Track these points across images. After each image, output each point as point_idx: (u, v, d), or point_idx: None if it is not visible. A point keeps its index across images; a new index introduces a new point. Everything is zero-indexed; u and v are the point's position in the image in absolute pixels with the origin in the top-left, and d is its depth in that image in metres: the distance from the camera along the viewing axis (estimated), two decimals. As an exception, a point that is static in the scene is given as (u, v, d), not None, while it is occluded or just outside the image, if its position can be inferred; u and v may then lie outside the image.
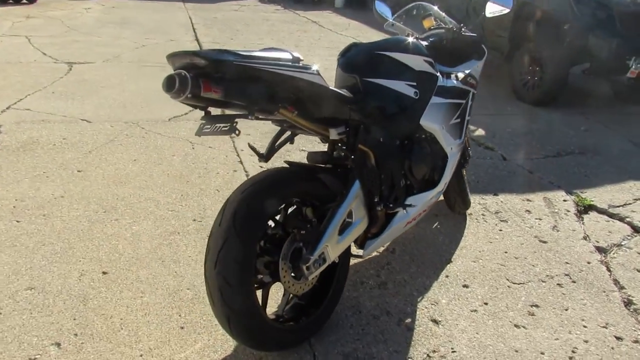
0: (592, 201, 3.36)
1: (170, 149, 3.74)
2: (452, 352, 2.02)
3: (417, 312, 2.23)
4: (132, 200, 2.99)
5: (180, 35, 7.79)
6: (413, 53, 2.28)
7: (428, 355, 2.00)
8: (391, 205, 2.17)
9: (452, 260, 2.63)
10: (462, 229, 2.92)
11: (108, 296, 2.20)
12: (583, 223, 3.11)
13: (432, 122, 2.34)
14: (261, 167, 3.49)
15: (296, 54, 1.77)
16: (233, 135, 1.71)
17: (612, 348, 2.09)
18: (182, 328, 2.05)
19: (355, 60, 2.20)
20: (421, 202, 2.35)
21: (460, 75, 2.56)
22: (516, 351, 2.05)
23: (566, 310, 2.31)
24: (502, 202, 3.31)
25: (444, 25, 2.69)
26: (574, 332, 2.17)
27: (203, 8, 10.63)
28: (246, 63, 1.60)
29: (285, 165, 1.98)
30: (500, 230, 2.95)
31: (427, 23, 2.71)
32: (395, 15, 2.89)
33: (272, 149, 2.10)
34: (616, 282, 2.54)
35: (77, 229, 2.66)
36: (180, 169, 3.41)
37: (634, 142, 4.66)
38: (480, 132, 4.63)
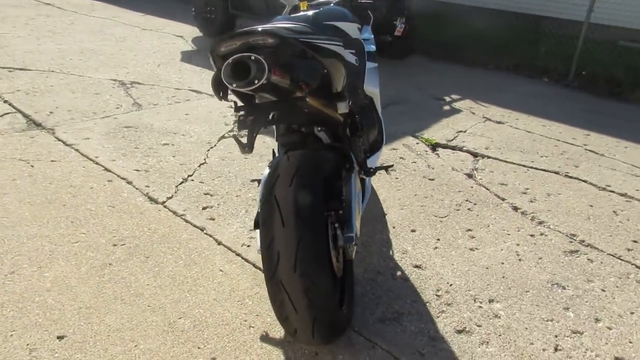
0: (434, 139, 4.00)
1: (4, 172, 2.95)
2: (450, 285, 2.28)
3: (399, 264, 2.41)
4: (13, 245, 2.32)
5: None
6: (350, 21, 2.35)
7: (437, 295, 2.22)
8: (365, 171, 2.26)
9: (386, 213, 2.86)
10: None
11: None
12: (441, 158, 3.70)
13: (372, 87, 2.47)
14: (137, 170, 3.08)
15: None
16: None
17: (534, 244, 2.66)
18: (214, 359, 1.80)
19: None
20: (374, 164, 2.48)
21: (369, 39, 2.72)
22: (487, 268, 2.42)
23: (488, 226, 2.80)
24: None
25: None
26: (507, 241, 2.67)
27: None
28: (311, 40, 1.46)
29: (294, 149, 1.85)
30: (397, 178, 3.30)
31: (321, -5, 2.76)
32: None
33: (252, 139, 1.95)
34: (497, 196, 3.16)
35: (-22, 298, 1.97)
36: (39, 194, 2.75)
37: (419, 87, 5.57)
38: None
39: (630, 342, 2.01)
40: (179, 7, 8.97)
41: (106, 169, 3.10)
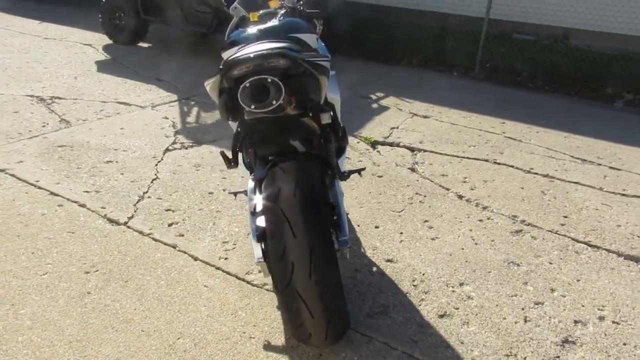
0: (373, 137, 4.20)
1: (-60, 207, 2.70)
2: (423, 275, 2.47)
3: (372, 260, 2.56)
4: (-24, 283, 2.17)
5: None
6: (310, 32, 2.43)
7: (414, 285, 2.39)
8: (339, 175, 2.37)
9: (348, 212, 2.99)
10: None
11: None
12: (383, 155, 3.90)
13: (333, 94, 2.58)
14: (86, 191, 2.96)
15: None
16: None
17: (485, 228, 2.93)
18: (225, 373, 1.83)
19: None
20: (342, 168, 2.60)
21: (322, 47, 2.82)
22: (450, 254, 2.64)
23: (442, 216, 3.03)
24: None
25: (288, 4, 2.83)
26: (461, 227, 2.91)
27: None
28: (312, 59, 1.54)
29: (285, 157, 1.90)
30: (350, 178, 3.44)
31: (273, 3, 2.80)
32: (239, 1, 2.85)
33: (236, 153, 2.00)
34: (441, 186, 3.42)
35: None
36: (-9, 227, 2.57)
37: (345, 87, 5.77)
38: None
39: (583, 306, 2.31)
40: (75, 13, 8.48)
41: (52, 193, 2.94)
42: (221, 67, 1.74)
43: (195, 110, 4.58)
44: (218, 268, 2.40)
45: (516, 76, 6.58)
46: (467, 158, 3.90)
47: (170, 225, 2.73)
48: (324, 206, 1.76)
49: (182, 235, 2.64)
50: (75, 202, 2.87)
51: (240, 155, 2.67)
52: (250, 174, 2.57)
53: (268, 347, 1.96)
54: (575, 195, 3.39)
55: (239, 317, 2.11)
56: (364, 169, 2.39)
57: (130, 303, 2.14)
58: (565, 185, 3.54)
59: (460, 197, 3.28)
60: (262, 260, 1.88)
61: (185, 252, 2.50)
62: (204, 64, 6.24)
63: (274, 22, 2.39)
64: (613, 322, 2.22)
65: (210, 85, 1.79)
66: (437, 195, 3.28)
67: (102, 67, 5.69)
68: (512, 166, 3.81)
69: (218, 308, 2.15)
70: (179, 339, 1.97)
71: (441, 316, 2.20)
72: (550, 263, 2.62)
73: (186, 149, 3.73)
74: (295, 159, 1.93)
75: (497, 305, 2.28)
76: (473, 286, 2.40)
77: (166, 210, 2.86)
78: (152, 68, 5.80)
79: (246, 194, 2.43)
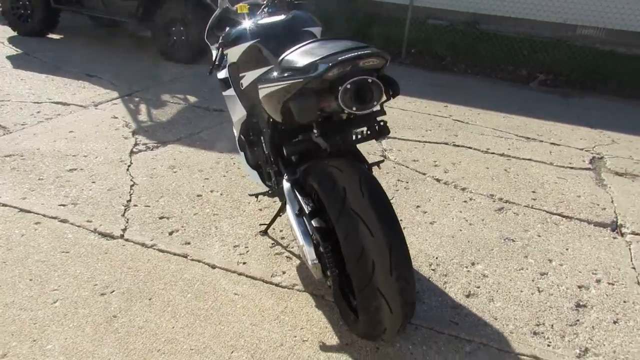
0: (335, 127, 4.22)
1: None
2: (436, 259, 2.58)
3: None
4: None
5: None
6: (317, 26, 2.40)
7: (432, 269, 2.49)
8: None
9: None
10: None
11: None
12: (351, 144, 3.95)
13: None
14: (62, 205, 2.70)
15: None
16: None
17: (472, 208, 3.10)
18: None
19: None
20: None
21: None
22: (452, 237, 2.78)
23: (430, 200, 3.16)
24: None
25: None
26: (452, 210, 3.06)
27: None
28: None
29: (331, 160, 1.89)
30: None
31: (261, -5, 2.70)
32: (225, -8, 2.71)
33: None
34: (418, 171, 3.55)
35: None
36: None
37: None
38: (193, 98, 4.69)
39: (580, 272, 2.55)
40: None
41: (23, 210, 2.63)
42: (291, 73, 1.67)
43: (143, 107, 4.30)
44: (241, 274, 2.32)
45: (440, 61, 6.93)
46: (429, 142, 4.08)
47: (171, 234, 2.57)
48: (388, 200, 1.77)
49: (189, 244, 2.51)
50: (54, 218, 2.60)
51: (242, 155, 2.60)
52: (259, 173, 2.51)
53: (324, 347, 1.95)
54: (533, 171, 3.70)
55: (283, 321, 2.06)
56: (383, 160, 2.42)
57: (164, 321, 2.00)
58: (521, 162, 3.84)
59: (438, 180, 3.44)
60: (317, 262, 1.86)
61: (199, 261, 2.38)
62: (129, 56, 5.87)
63: (283, 16, 2.33)
64: (608, 283, 2.48)
65: (277, 88, 1.71)
66: (417, 180, 3.41)
67: (17, 63, 5.12)
68: (470, 147, 4.05)
69: (258, 315, 2.09)
70: (232, 352, 1.89)
71: (467, 296, 2.31)
72: (539, 236, 2.85)
73: (152, 150, 3.51)
74: (343, 156, 1.91)
75: (510, 280, 2.45)
76: (484, 264, 2.55)
77: (160, 218, 2.69)
78: (75, 62, 5.33)
79: (269, 195, 2.37)
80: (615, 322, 2.22)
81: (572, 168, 3.80)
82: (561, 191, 3.40)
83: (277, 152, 2.19)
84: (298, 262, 2.44)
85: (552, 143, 4.29)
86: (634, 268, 2.61)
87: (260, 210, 2.86)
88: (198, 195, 2.96)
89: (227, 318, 2.05)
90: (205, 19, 5.53)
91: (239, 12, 2.63)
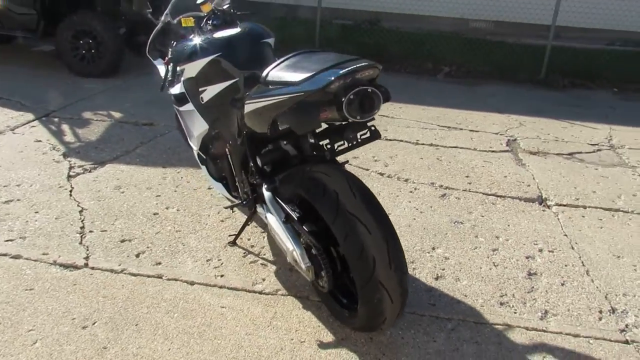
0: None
1: None
2: (400, 248, 2.74)
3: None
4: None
5: None
6: (272, 37, 2.45)
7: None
8: None
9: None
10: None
11: None
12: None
13: None
14: (9, 240, 2.54)
15: None
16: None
17: (419, 197, 3.33)
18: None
19: None
20: None
21: None
22: (409, 226, 2.97)
23: (379, 194, 3.34)
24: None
25: (219, 7, 2.74)
26: (402, 201, 3.26)
27: None
28: None
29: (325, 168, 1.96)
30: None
31: (205, 7, 2.67)
32: (170, 7, 2.66)
33: None
34: (361, 167, 3.72)
35: None
36: None
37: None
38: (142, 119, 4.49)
39: (524, 244, 2.85)
40: None
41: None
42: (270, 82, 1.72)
43: (66, 128, 4.06)
44: (222, 287, 2.33)
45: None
46: (364, 139, 4.26)
47: (138, 256, 2.50)
48: (375, 196, 1.87)
49: (160, 264, 2.46)
50: (4, 255, 2.42)
51: (204, 168, 2.59)
52: (224, 184, 2.53)
53: (322, 345, 2.02)
54: (461, 157, 4.02)
55: (277, 327, 2.11)
56: (347, 162, 2.53)
57: (159, 345, 1.97)
58: (450, 150, 4.15)
59: (382, 174, 3.63)
60: (310, 264, 1.93)
61: (176, 279, 2.35)
62: (35, 73, 5.48)
63: (238, 29, 2.36)
64: (549, 251, 2.80)
65: (271, 102, 1.74)
66: (363, 176, 3.57)
67: None
68: (402, 140, 4.30)
69: (251, 324, 2.11)
70: (236, 364, 1.91)
71: (436, 279, 2.50)
72: (482, 216, 3.13)
73: (90, 172, 3.34)
74: (323, 162, 2.00)
75: (469, 259, 2.68)
76: (443, 248, 2.76)
77: (122, 242, 2.60)
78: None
79: (242, 207, 2.39)
80: (562, 285, 2.51)
81: (493, 151, 4.18)
82: (490, 173, 3.73)
83: (250, 163, 2.23)
84: (275, 267, 2.48)
85: (471, 130, 4.67)
86: (565, 235, 2.96)
87: (223, 221, 2.86)
88: (154, 214, 2.89)
89: (221, 332, 2.06)
90: (114, 30, 5.35)
91: (183, 25, 2.61)
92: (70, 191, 3.06)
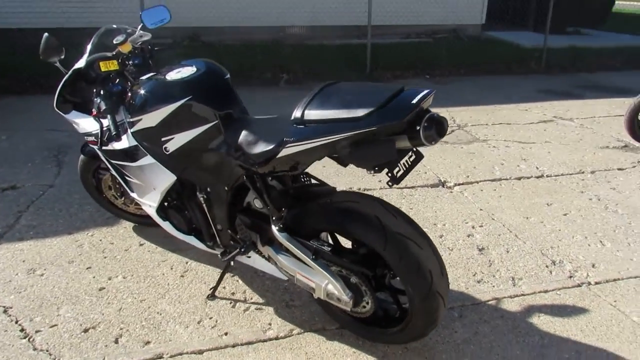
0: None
1: None
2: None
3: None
4: None
5: None
6: (227, 72, 2.32)
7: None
8: None
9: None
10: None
11: None
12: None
13: None
14: (-23, 357, 1.98)
15: None
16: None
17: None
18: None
19: None
20: None
21: None
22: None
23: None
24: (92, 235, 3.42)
25: (136, 45, 2.45)
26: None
27: None
28: None
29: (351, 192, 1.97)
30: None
31: (125, 47, 2.36)
32: (90, 49, 2.28)
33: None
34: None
35: None
36: None
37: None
38: None
39: (458, 225, 3.20)
40: None
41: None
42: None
43: None
44: (234, 345, 2.15)
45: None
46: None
47: (117, 341, 2.14)
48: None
49: (149, 342, 2.15)
50: (-62, 394, 1.85)
51: (167, 224, 2.36)
52: (196, 236, 2.34)
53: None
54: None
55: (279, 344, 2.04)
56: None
57: None
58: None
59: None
60: (352, 294, 1.93)
61: (180, 354, 2.09)
62: None
63: (194, 68, 2.18)
64: (480, 226, 3.19)
65: (330, 141, 1.64)
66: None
67: None
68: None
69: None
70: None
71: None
72: (411, 209, 3.40)
73: (-21, 260, 2.69)
74: (330, 193, 2.01)
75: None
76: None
77: (85, 331, 2.19)
78: None
79: (242, 253, 2.23)
80: (507, 252, 2.91)
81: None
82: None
83: (255, 205, 2.11)
84: (271, 308, 2.37)
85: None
86: (481, 209, 3.40)
87: (183, 276, 2.60)
88: (100, 289, 2.48)
89: (270, 392, 1.91)
90: None
91: (103, 70, 2.30)
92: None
